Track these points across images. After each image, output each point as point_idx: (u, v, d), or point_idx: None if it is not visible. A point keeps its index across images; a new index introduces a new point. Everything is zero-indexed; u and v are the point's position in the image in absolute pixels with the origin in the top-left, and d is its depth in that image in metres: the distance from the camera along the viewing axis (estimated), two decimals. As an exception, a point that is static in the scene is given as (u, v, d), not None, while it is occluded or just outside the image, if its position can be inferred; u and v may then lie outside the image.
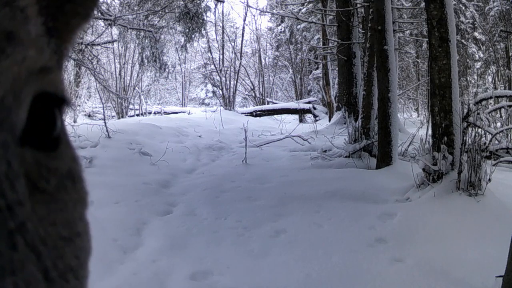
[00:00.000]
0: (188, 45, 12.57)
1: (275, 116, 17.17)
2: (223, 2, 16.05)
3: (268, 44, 26.99)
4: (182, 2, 11.67)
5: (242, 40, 22.52)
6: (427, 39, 4.99)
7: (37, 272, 0.27)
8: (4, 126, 0.28)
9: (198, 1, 11.84)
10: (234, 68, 20.96)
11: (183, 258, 3.05)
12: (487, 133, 6.04)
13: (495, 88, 15.02)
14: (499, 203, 3.68)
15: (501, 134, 6.65)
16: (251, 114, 16.95)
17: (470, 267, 2.72)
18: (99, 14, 7.90)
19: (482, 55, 17.06)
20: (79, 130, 7.15)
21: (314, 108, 16.47)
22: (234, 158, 7.32)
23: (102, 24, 11.39)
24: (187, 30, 12.21)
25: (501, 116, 8.81)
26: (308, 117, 16.22)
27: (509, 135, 7.28)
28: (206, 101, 28.49)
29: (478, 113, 4.98)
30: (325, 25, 13.55)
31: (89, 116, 17.35)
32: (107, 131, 7.00)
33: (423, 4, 7.54)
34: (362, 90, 7.26)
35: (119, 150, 6.28)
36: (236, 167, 6.50)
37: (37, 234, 0.29)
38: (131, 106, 17.58)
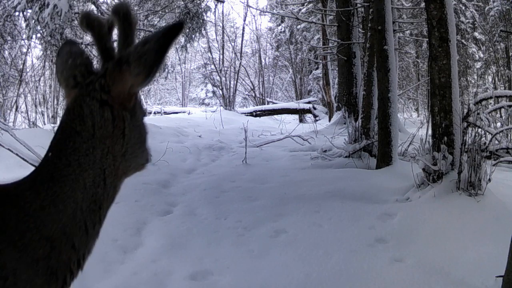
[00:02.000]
0: (188, 45, 12.56)
1: (275, 116, 17.17)
2: (223, 2, 16.06)
3: (268, 44, 26.99)
4: (182, 2, 11.68)
5: (242, 40, 22.54)
6: (427, 39, 4.98)
7: None
8: None
9: (198, 1, 11.84)
10: (234, 68, 20.97)
11: (183, 258, 3.04)
12: (487, 133, 6.03)
13: (495, 88, 15.01)
14: (499, 203, 3.68)
15: (501, 134, 6.65)
16: (251, 114, 16.96)
17: (470, 267, 2.71)
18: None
19: (482, 55, 17.05)
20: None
21: (314, 108, 16.48)
22: (234, 158, 7.32)
23: (102, 24, 11.34)
24: (187, 30, 12.21)
25: (501, 116, 8.79)
26: (308, 117, 16.21)
27: (509, 135, 7.28)
28: (206, 101, 28.50)
29: (478, 113, 4.97)
30: (325, 25, 13.55)
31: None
32: (107, 131, 6.96)
33: (423, 4, 7.53)
34: (362, 90, 7.25)
35: (119, 150, 6.26)
36: (236, 167, 6.50)
37: None
38: (131, 106, 17.53)
